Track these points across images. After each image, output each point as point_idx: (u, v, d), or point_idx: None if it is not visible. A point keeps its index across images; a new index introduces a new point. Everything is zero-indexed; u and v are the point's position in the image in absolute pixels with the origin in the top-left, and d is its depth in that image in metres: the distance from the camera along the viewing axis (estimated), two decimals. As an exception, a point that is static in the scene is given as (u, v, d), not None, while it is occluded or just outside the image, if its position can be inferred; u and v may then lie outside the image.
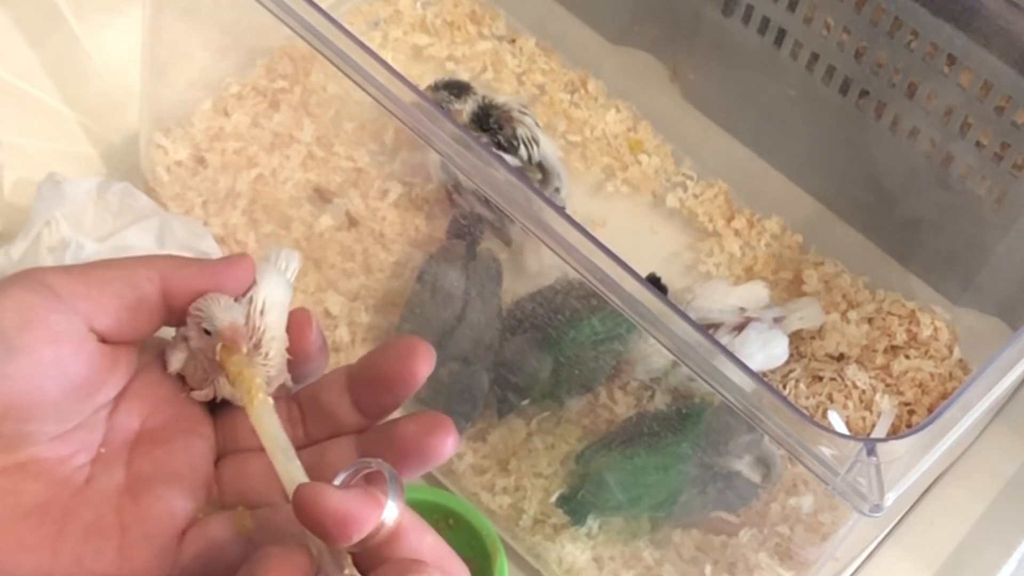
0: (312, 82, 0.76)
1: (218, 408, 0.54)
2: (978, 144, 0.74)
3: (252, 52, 0.78)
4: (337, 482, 0.46)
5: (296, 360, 0.53)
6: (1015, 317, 0.78)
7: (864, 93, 0.77)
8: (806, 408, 0.73)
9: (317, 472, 0.51)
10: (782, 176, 0.84)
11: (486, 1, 0.88)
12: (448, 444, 0.50)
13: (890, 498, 0.50)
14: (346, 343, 0.72)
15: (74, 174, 0.74)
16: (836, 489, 0.51)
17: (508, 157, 0.75)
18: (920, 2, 0.72)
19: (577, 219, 0.55)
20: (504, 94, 0.82)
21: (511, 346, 0.68)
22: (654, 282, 0.74)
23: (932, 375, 0.75)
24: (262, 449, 0.51)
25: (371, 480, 0.46)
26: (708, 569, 0.65)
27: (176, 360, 0.53)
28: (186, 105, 0.77)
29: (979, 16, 0.70)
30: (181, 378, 0.53)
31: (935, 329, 0.77)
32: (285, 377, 0.53)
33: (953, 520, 0.73)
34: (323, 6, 0.59)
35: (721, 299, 0.73)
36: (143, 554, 0.49)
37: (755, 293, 0.74)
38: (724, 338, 0.70)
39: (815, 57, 0.78)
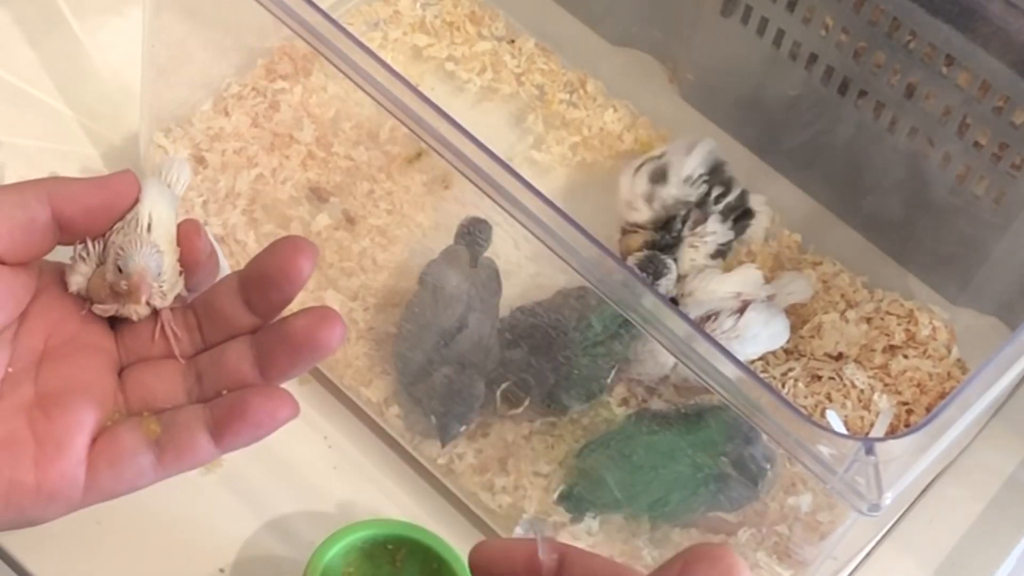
0: (312, 82, 0.77)
1: (118, 322, 0.57)
2: (976, 144, 0.74)
3: (252, 52, 0.79)
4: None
5: (188, 269, 0.56)
6: (1013, 317, 0.78)
7: (863, 93, 0.77)
8: (804, 407, 0.73)
9: (215, 372, 0.55)
10: (780, 176, 0.84)
11: (485, 2, 0.88)
12: (336, 334, 0.54)
13: (888, 497, 0.51)
14: (345, 341, 0.72)
15: (74, 174, 0.74)
16: (834, 488, 0.51)
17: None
18: (918, 3, 0.72)
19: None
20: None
21: (510, 348, 0.68)
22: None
23: (930, 375, 0.75)
24: (162, 357, 0.56)
25: None
26: (707, 568, 0.65)
27: (76, 281, 0.55)
28: (186, 105, 0.77)
29: (977, 17, 0.70)
30: (81, 297, 0.56)
31: (933, 329, 0.77)
32: (180, 287, 0.56)
33: (952, 519, 0.73)
34: (323, 6, 0.59)
35: (718, 287, 0.73)
36: (57, 462, 0.52)
37: (749, 276, 0.75)
38: (727, 323, 0.70)
39: (814, 57, 0.78)
